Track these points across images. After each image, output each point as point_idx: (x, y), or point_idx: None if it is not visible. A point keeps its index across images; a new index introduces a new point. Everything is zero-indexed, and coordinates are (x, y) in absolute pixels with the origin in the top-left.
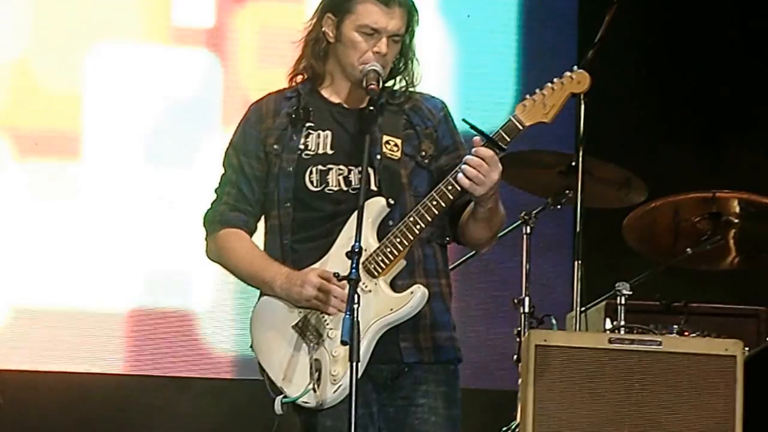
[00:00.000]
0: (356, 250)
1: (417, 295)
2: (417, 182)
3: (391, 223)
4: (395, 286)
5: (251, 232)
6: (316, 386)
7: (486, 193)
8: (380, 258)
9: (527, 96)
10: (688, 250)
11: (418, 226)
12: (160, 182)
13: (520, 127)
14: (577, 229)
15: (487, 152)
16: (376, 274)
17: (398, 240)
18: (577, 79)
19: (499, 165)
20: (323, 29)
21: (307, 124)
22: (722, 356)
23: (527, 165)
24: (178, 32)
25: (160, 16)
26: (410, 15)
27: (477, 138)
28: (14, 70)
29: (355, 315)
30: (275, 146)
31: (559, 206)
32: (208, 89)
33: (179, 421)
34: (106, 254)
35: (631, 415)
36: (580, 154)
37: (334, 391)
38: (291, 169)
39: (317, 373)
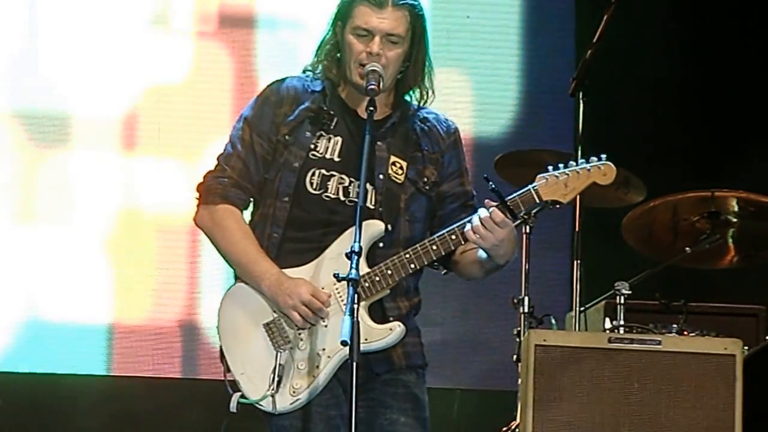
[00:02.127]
0: (356, 250)
1: (395, 332)
2: (414, 207)
3: (381, 245)
4: (384, 308)
5: (244, 210)
6: (274, 392)
7: (491, 249)
8: (367, 285)
9: (550, 169)
10: (687, 249)
11: (412, 265)
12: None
13: (537, 201)
14: (577, 229)
15: (498, 216)
16: (360, 299)
17: (389, 273)
18: (604, 171)
19: (508, 226)
20: (336, 37)
21: (324, 127)
22: (721, 355)
23: (527, 164)
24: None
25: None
26: (412, 18)
27: (488, 200)
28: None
29: (356, 315)
30: (287, 137)
31: (558, 206)
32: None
33: (187, 422)
34: (111, 258)
35: (631, 414)
36: (579, 153)
37: (291, 404)
38: (297, 165)
39: (278, 379)
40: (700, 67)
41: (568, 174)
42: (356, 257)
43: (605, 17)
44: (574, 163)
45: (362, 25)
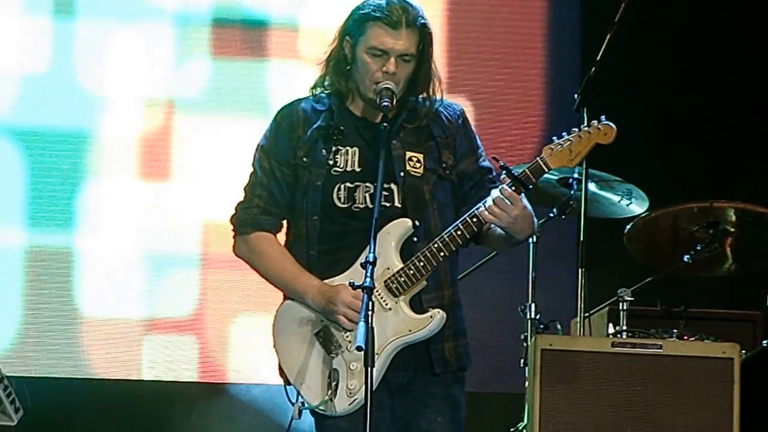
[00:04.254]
0: (370, 260)
1: (436, 318)
2: (440, 195)
3: (415, 239)
4: (421, 300)
5: (278, 233)
6: (333, 396)
7: (508, 226)
8: (403, 279)
9: (555, 139)
10: (687, 257)
11: (442, 254)
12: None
13: (546, 169)
14: (581, 239)
15: (507, 192)
16: (397, 293)
17: (422, 264)
18: (604, 131)
19: (521, 202)
20: (344, 51)
21: (338, 141)
22: (720, 359)
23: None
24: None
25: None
26: (422, 35)
27: (504, 176)
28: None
29: (370, 321)
30: (305, 159)
31: (563, 216)
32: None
33: (206, 425)
34: (125, 261)
35: (634, 416)
36: (584, 166)
37: (349, 404)
38: (319, 183)
39: (335, 383)
40: (700, 82)
41: (571, 140)
42: (371, 267)
43: (609, 35)
44: (576, 129)
45: (378, 46)
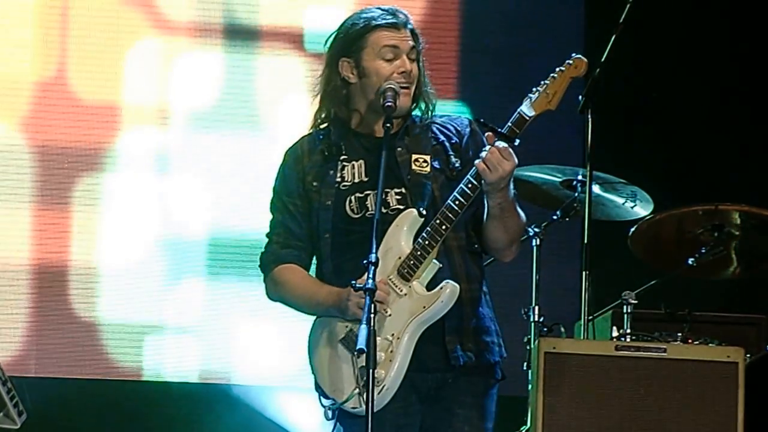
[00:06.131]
0: (372, 261)
1: (447, 290)
2: (447, 195)
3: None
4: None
5: (306, 266)
6: (360, 392)
7: (497, 181)
8: (412, 262)
9: (533, 89)
10: (691, 260)
11: (444, 227)
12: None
13: (527, 117)
14: (585, 241)
15: (501, 144)
16: (409, 277)
17: (426, 242)
18: (575, 64)
19: (513, 157)
20: (342, 75)
21: (341, 158)
22: (724, 363)
23: (537, 180)
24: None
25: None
26: (414, 36)
27: (489, 134)
28: (49, 88)
29: (372, 324)
30: (314, 183)
31: (567, 219)
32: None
33: (208, 426)
34: (127, 264)
35: (637, 420)
36: (588, 168)
37: (378, 393)
38: (330, 203)
39: (362, 380)
40: (706, 84)
41: (546, 83)
42: (373, 268)
43: (614, 36)
44: (552, 74)
45: (389, 44)
